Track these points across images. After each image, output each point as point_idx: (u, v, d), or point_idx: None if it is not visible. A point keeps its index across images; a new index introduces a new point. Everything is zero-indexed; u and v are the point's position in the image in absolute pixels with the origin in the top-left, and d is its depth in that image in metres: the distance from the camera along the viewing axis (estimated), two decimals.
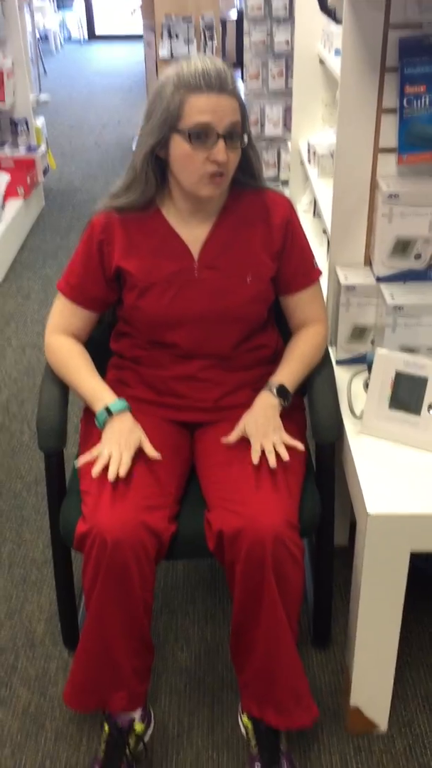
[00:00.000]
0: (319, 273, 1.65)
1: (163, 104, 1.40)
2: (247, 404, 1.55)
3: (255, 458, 1.43)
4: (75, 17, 11.16)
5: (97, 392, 1.53)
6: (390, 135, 1.65)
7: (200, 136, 1.38)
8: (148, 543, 1.37)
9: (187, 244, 1.53)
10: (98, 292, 1.59)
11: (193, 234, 1.53)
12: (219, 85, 1.37)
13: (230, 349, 1.58)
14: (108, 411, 1.49)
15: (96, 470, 1.40)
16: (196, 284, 1.53)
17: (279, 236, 1.55)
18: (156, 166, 1.48)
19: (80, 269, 1.58)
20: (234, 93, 1.40)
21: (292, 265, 1.58)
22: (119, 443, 1.44)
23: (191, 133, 1.38)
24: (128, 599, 1.39)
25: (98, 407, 1.50)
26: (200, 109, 1.37)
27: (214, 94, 1.37)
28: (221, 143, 1.39)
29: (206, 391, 1.59)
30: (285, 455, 1.44)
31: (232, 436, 1.49)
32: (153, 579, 1.42)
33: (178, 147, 1.41)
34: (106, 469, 1.41)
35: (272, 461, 1.42)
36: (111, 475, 1.39)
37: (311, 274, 1.63)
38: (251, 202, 1.55)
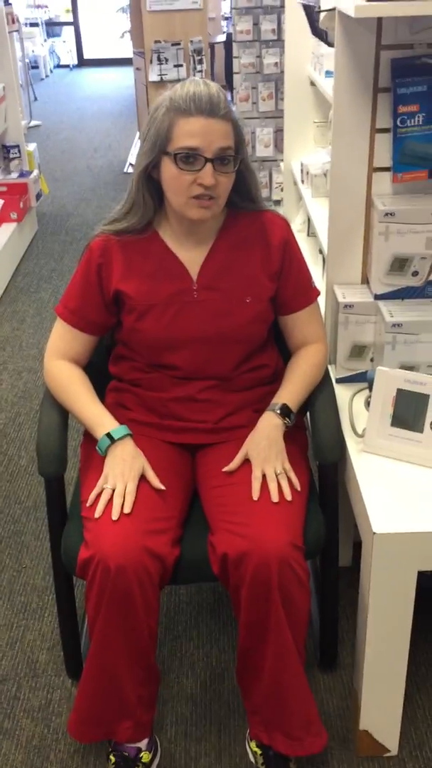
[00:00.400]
0: (318, 293, 1.65)
1: (155, 126, 1.41)
2: (248, 425, 1.54)
3: (255, 487, 1.42)
4: (64, 44, 11.28)
5: (98, 418, 1.52)
6: (384, 154, 1.66)
7: (187, 159, 1.39)
8: (152, 568, 1.35)
9: (186, 265, 1.53)
10: (97, 315, 1.58)
11: (191, 255, 1.53)
12: (209, 109, 1.38)
13: (230, 369, 1.57)
14: (110, 437, 1.48)
15: (99, 509, 1.39)
16: (195, 306, 1.52)
17: (277, 257, 1.55)
18: (152, 188, 1.49)
19: (79, 293, 1.57)
20: (227, 117, 1.40)
21: (291, 285, 1.58)
22: (123, 473, 1.43)
23: (178, 156, 1.39)
24: (132, 626, 1.37)
25: (99, 434, 1.49)
26: (189, 132, 1.38)
27: (203, 117, 1.37)
28: (209, 167, 1.39)
29: (207, 413, 1.58)
30: (286, 488, 1.42)
31: (234, 464, 1.48)
32: (157, 605, 1.40)
33: (167, 169, 1.42)
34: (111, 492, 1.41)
35: (274, 492, 1.41)
36: (115, 514, 1.37)
37: (309, 293, 1.63)
38: (249, 223, 1.55)
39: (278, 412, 1.52)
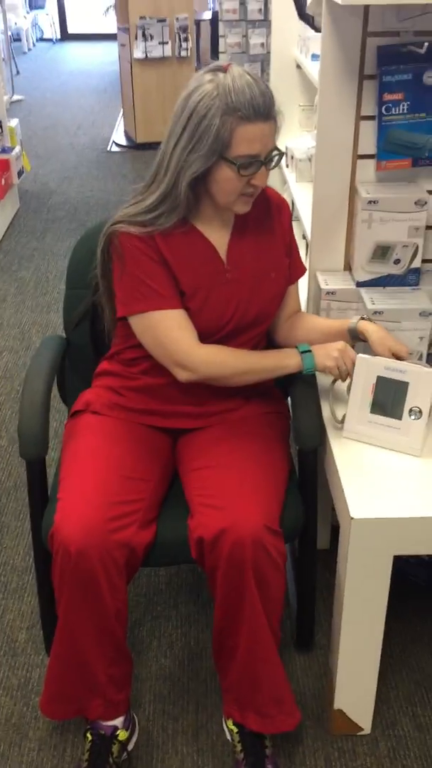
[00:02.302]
0: (304, 270, 1.69)
1: (212, 132, 1.35)
2: (236, 409, 1.57)
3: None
4: (47, 16, 11.09)
5: (281, 357, 1.53)
6: (369, 142, 1.66)
7: (248, 166, 1.38)
8: (117, 552, 1.37)
9: (215, 244, 1.52)
10: (176, 289, 1.48)
11: (218, 237, 1.53)
12: (267, 112, 1.36)
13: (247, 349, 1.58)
14: (303, 354, 1.51)
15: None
16: (227, 286, 1.52)
17: (288, 232, 1.60)
18: (194, 187, 1.44)
19: (149, 276, 1.46)
20: (276, 114, 1.40)
21: (292, 259, 1.63)
22: (336, 357, 1.51)
23: (240, 164, 1.37)
24: (98, 608, 1.39)
25: (295, 359, 1.52)
26: (250, 139, 1.36)
27: (261, 122, 1.36)
28: (263, 169, 1.41)
29: (202, 398, 1.58)
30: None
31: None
32: (124, 587, 1.42)
33: (223, 173, 1.39)
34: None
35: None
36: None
37: (300, 269, 1.67)
38: (260, 200, 1.54)
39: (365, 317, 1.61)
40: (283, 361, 1.53)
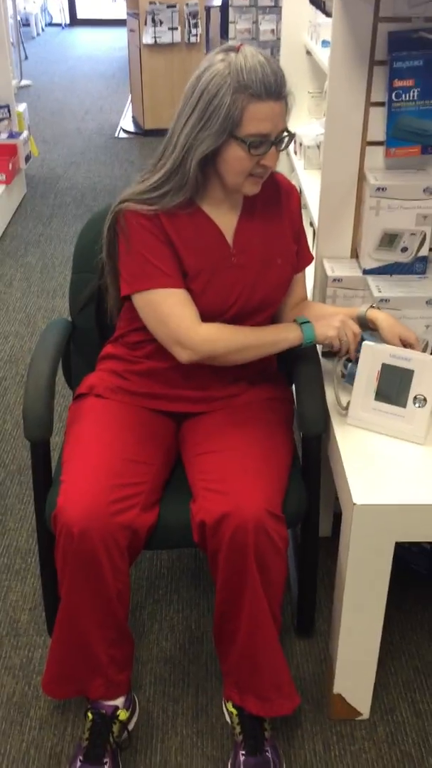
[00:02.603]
0: (312, 258, 1.69)
1: (222, 110, 1.34)
2: (239, 394, 1.57)
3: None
4: (56, 1, 11.02)
5: (280, 330, 1.53)
6: (378, 128, 1.66)
7: (258, 145, 1.38)
8: (119, 534, 1.38)
9: (222, 231, 1.52)
10: (179, 268, 1.47)
11: (225, 221, 1.52)
12: (278, 91, 1.35)
13: None
14: (302, 326, 1.51)
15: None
16: (233, 270, 1.52)
17: (297, 218, 1.60)
18: (204, 166, 1.43)
19: (154, 254, 1.46)
20: (287, 95, 1.39)
21: (300, 246, 1.62)
22: (339, 327, 1.52)
23: (250, 142, 1.37)
24: (100, 589, 1.40)
25: (295, 332, 1.51)
26: (260, 117, 1.35)
27: (273, 101, 1.35)
28: (273, 150, 1.40)
29: (207, 382, 1.58)
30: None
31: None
32: (126, 569, 1.43)
33: (233, 151, 1.39)
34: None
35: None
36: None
37: (307, 256, 1.67)
38: (269, 184, 1.54)
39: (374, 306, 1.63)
40: (282, 333, 1.52)
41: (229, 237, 1.52)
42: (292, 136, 1.43)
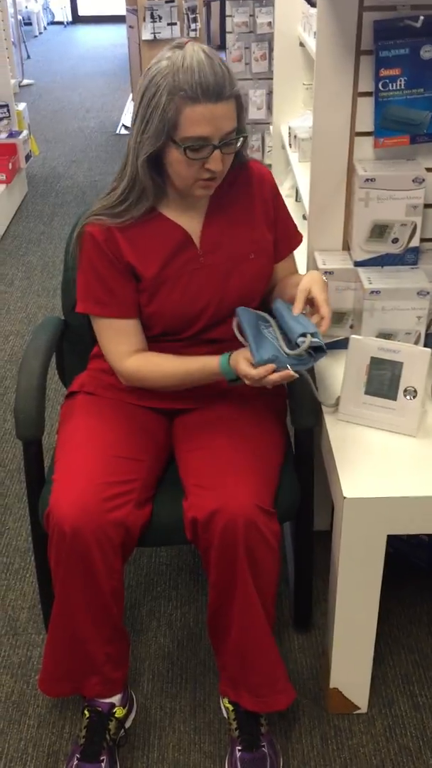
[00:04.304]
0: (301, 239, 1.66)
1: (158, 111, 1.32)
2: (227, 390, 1.55)
3: (300, 299, 1.42)
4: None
5: (207, 364, 1.46)
6: (366, 118, 1.64)
7: (196, 148, 1.34)
8: (112, 532, 1.37)
9: (189, 232, 1.50)
10: (130, 294, 1.49)
11: (191, 222, 1.50)
12: (217, 93, 1.29)
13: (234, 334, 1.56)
14: (222, 362, 1.44)
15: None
16: (202, 271, 1.50)
17: (272, 207, 1.56)
18: (156, 168, 1.42)
19: (100, 280, 1.48)
20: (232, 95, 1.33)
21: (281, 231, 1.59)
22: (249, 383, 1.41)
23: (188, 146, 1.33)
24: (93, 587, 1.40)
25: (216, 365, 1.44)
26: (197, 120, 1.31)
27: (211, 104, 1.30)
28: (217, 153, 1.35)
29: None
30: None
31: (298, 307, 1.42)
32: (120, 567, 1.43)
33: (173, 155, 1.36)
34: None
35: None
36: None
37: (293, 240, 1.64)
38: (236, 176, 1.51)
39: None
40: (211, 367, 1.46)
41: (196, 238, 1.50)
42: (244, 137, 1.38)
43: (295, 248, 1.65)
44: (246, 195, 1.53)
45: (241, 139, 1.38)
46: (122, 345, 1.51)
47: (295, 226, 1.65)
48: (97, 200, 1.49)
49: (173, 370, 1.50)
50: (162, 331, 1.54)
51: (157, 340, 1.55)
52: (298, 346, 1.36)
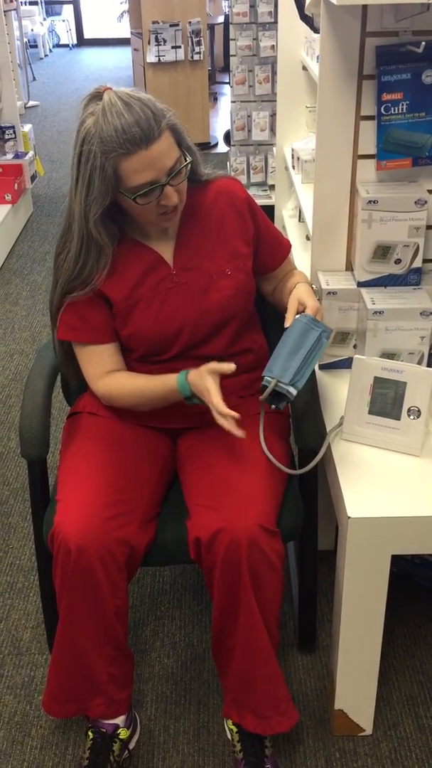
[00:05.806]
0: (289, 244, 1.69)
1: (97, 173, 1.33)
2: (232, 409, 1.56)
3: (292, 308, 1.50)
4: (64, 23, 11.17)
5: (167, 381, 1.49)
6: (369, 141, 1.66)
7: (145, 193, 1.36)
8: (116, 550, 1.38)
9: (160, 253, 1.52)
10: (102, 319, 1.52)
11: (162, 243, 1.52)
12: (147, 138, 1.30)
13: (221, 350, 1.57)
14: (179, 380, 1.47)
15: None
16: (177, 290, 1.52)
17: (249, 222, 1.57)
18: (112, 218, 1.43)
19: (72, 306, 1.50)
20: (164, 130, 1.33)
21: (267, 241, 1.62)
22: (200, 391, 1.45)
23: (137, 195, 1.35)
24: (98, 606, 1.40)
25: (173, 383, 1.47)
26: (137, 170, 1.33)
27: (144, 150, 1.31)
28: (168, 189, 1.36)
29: None
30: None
31: (289, 318, 1.49)
32: (125, 586, 1.43)
33: (126, 202, 1.39)
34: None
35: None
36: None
37: (284, 247, 1.67)
38: (205, 193, 1.53)
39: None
40: (170, 385, 1.48)
41: (169, 258, 1.52)
42: (188, 163, 1.39)
43: (287, 254, 1.68)
44: (217, 211, 1.54)
45: (186, 165, 1.39)
46: (96, 367, 1.55)
47: (279, 233, 1.67)
48: (54, 271, 1.50)
49: (140, 389, 1.53)
50: (144, 353, 1.55)
51: (143, 362, 1.57)
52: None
